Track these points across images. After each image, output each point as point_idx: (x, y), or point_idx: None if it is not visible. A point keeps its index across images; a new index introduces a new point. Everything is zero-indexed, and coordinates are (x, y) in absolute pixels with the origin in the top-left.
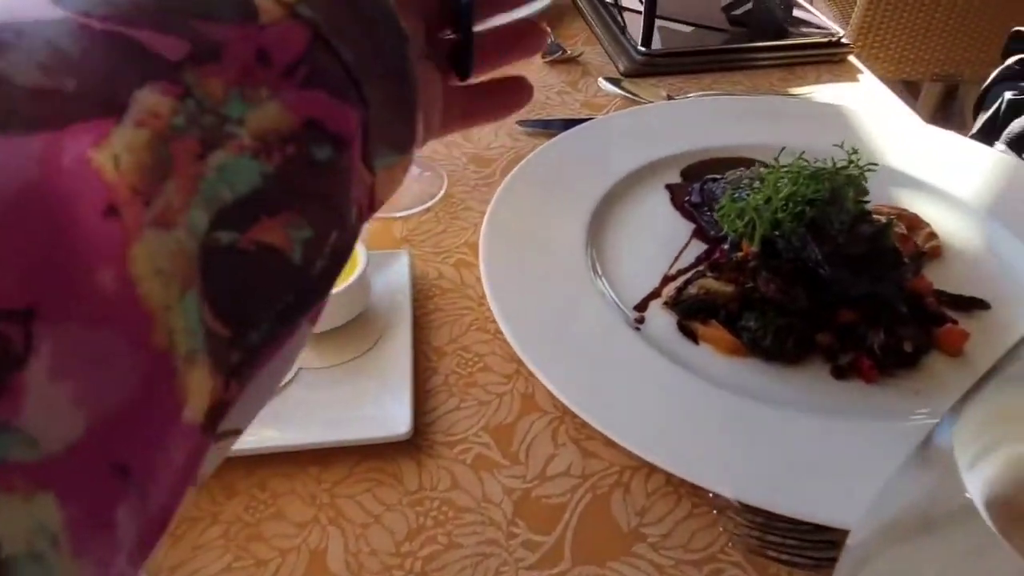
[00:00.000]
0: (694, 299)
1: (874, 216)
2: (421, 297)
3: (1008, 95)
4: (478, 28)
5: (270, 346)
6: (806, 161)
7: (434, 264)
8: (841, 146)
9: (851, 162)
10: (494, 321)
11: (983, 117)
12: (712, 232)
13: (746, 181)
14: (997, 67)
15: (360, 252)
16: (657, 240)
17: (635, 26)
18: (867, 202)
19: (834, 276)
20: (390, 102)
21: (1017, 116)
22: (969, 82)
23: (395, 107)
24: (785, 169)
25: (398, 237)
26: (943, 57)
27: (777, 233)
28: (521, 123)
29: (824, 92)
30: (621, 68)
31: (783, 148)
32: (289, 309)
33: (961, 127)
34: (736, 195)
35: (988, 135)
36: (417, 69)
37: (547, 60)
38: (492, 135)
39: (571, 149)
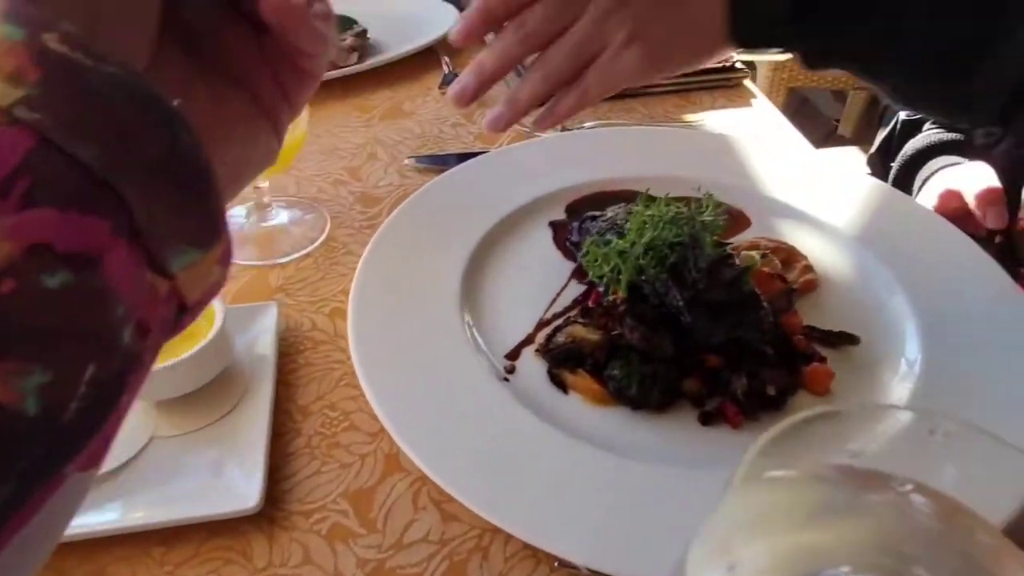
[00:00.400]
0: (562, 347)
1: (734, 259)
2: (291, 352)
3: (902, 115)
4: None
5: (20, 507)
6: (674, 203)
7: (308, 314)
8: (698, 190)
9: (707, 206)
10: None
11: (882, 134)
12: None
13: (621, 220)
14: None
15: (217, 310)
16: (537, 281)
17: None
18: (727, 245)
19: (694, 323)
20: (169, 195)
21: (911, 136)
22: None
23: (180, 198)
24: (649, 213)
25: (273, 287)
26: None
27: (643, 278)
28: (413, 159)
29: (719, 118)
30: None
31: (647, 189)
32: (38, 465)
33: None
34: (602, 239)
35: (885, 155)
36: (204, 153)
37: (443, 91)
38: (381, 172)
39: (457, 187)
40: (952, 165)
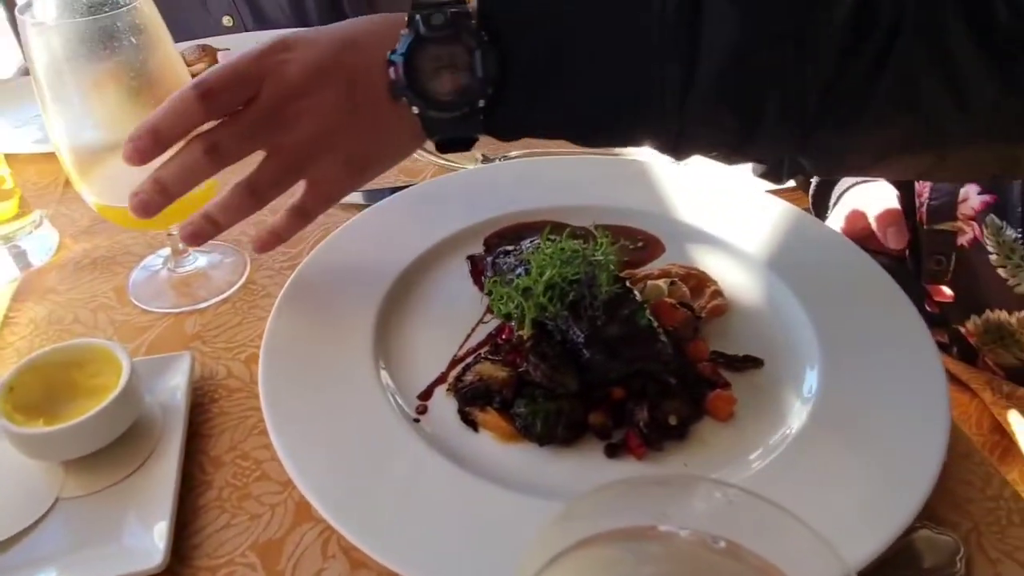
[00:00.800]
0: (470, 386)
1: (633, 294)
2: (205, 401)
3: None
4: None
5: None
6: (572, 239)
7: (224, 362)
8: (593, 227)
9: (601, 243)
10: None
11: None
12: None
13: (530, 255)
14: None
15: (124, 364)
16: (454, 318)
17: None
18: (623, 281)
19: (592, 359)
20: None
21: None
22: None
23: None
24: (549, 251)
25: (190, 334)
26: None
27: (546, 316)
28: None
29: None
30: None
31: (548, 226)
32: None
33: None
34: (505, 278)
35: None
36: None
37: None
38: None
39: (376, 223)
40: (861, 183)
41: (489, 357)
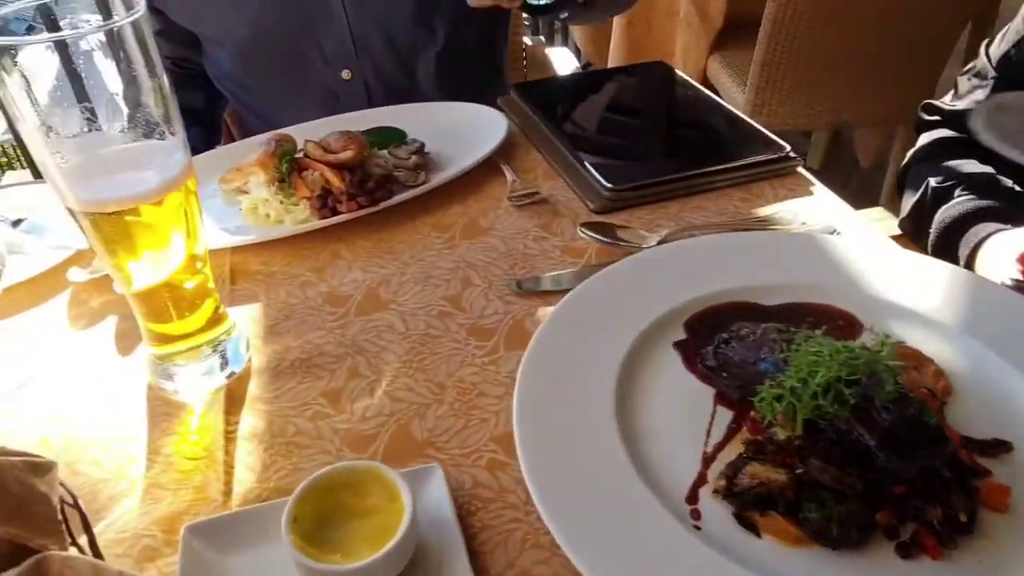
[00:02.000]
0: (750, 490)
1: (911, 394)
2: (464, 514)
3: (932, 182)
4: None
5: None
6: (832, 340)
7: (466, 469)
8: (871, 329)
9: (884, 345)
10: (546, 533)
11: (910, 201)
12: (734, 397)
13: (767, 352)
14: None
15: (401, 489)
16: (681, 409)
17: (592, 161)
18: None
19: (886, 462)
20: None
21: (943, 202)
22: (860, 126)
23: None
24: (814, 351)
25: (419, 440)
26: (836, 107)
27: (820, 416)
28: (514, 282)
29: (786, 208)
30: (591, 206)
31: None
32: None
33: (853, 171)
34: (772, 380)
35: (917, 221)
36: None
37: (513, 201)
38: (483, 299)
39: (577, 315)
40: (1001, 231)
41: (755, 457)
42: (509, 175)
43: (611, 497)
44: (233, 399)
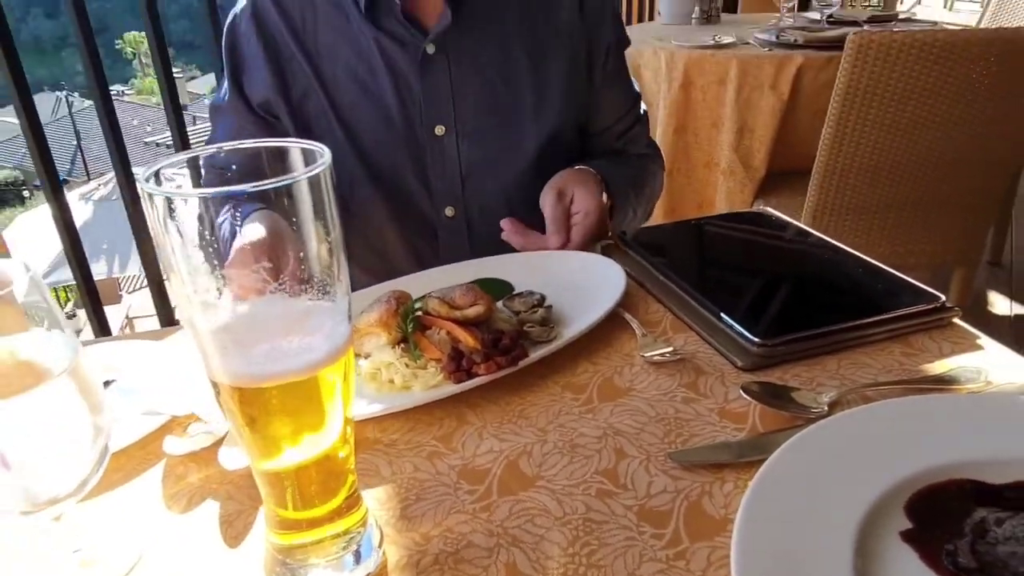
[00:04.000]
0: None
1: None
2: None
3: None
4: None
5: None
6: None
7: None
8: None
9: None
10: None
11: None
12: None
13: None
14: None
15: None
16: None
17: (732, 314)
18: None
19: None
20: None
21: None
22: (912, 269)
23: None
24: None
25: None
26: (888, 251)
27: None
28: (672, 456)
29: (963, 364)
30: (739, 363)
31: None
32: None
33: None
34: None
35: None
36: None
37: (647, 357)
38: (644, 473)
39: (777, 500)
40: None
41: None
42: (637, 329)
43: None
44: None
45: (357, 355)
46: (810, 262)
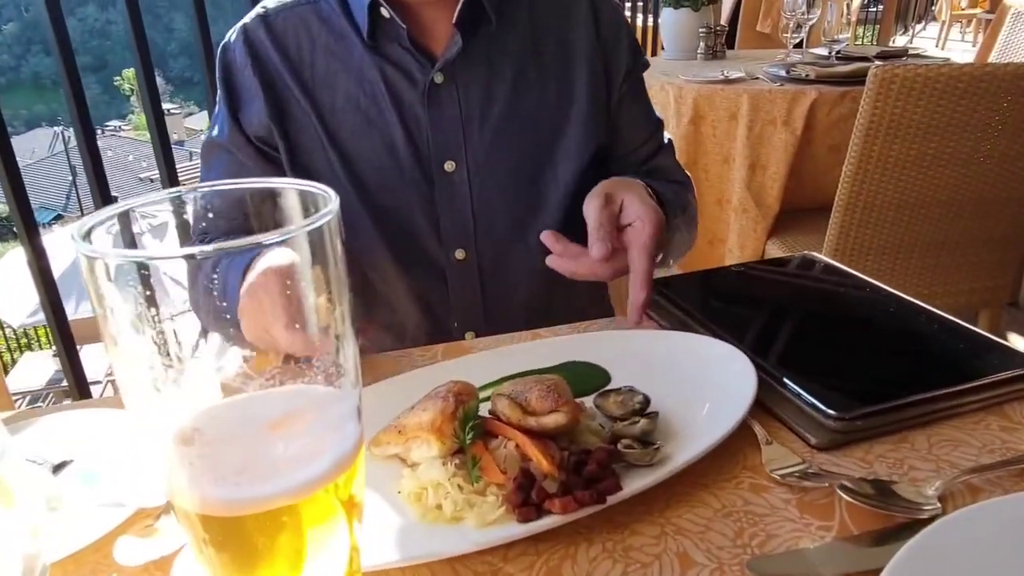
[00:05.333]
0: None
1: None
2: None
3: None
4: None
5: None
6: None
7: None
8: None
9: None
10: None
11: None
12: None
13: None
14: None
15: None
16: None
17: (800, 382)
18: None
19: None
20: None
21: None
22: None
23: None
24: None
25: None
26: (915, 292)
27: None
28: (751, 566)
29: None
30: (813, 441)
31: None
32: None
33: None
34: None
35: None
36: None
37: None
38: None
39: None
40: None
41: None
42: (763, 440)
43: None
44: None
45: (401, 460)
46: (878, 318)
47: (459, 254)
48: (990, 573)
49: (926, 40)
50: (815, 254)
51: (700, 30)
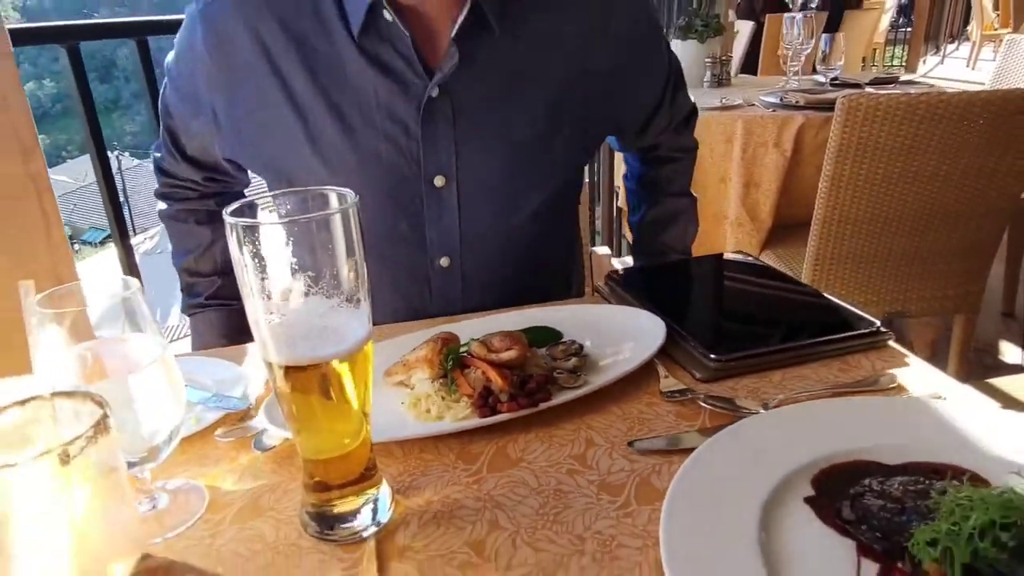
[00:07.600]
0: None
1: None
2: None
3: None
4: None
5: None
6: (975, 488)
7: None
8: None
9: None
10: None
11: None
12: (879, 548)
13: (910, 501)
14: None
15: None
16: (823, 562)
17: (696, 335)
18: None
19: None
20: None
21: None
22: (916, 316)
23: None
24: (963, 495)
25: None
26: (887, 299)
27: (977, 559)
28: (632, 444)
29: (886, 376)
30: (697, 375)
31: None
32: None
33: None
34: (923, 522)
35: None
36: None
37: (666, 398)
38: (608, 459)
39: (706, 473)
40: None
41: None
42: (663, 373)
43: None
44: (383, 549)
45: (405, 385)
46: (766, 292)
47: (444, 262)
48: (776, 448)
49: (957, 60)
50: (747, 254)
51: (706, 60)
